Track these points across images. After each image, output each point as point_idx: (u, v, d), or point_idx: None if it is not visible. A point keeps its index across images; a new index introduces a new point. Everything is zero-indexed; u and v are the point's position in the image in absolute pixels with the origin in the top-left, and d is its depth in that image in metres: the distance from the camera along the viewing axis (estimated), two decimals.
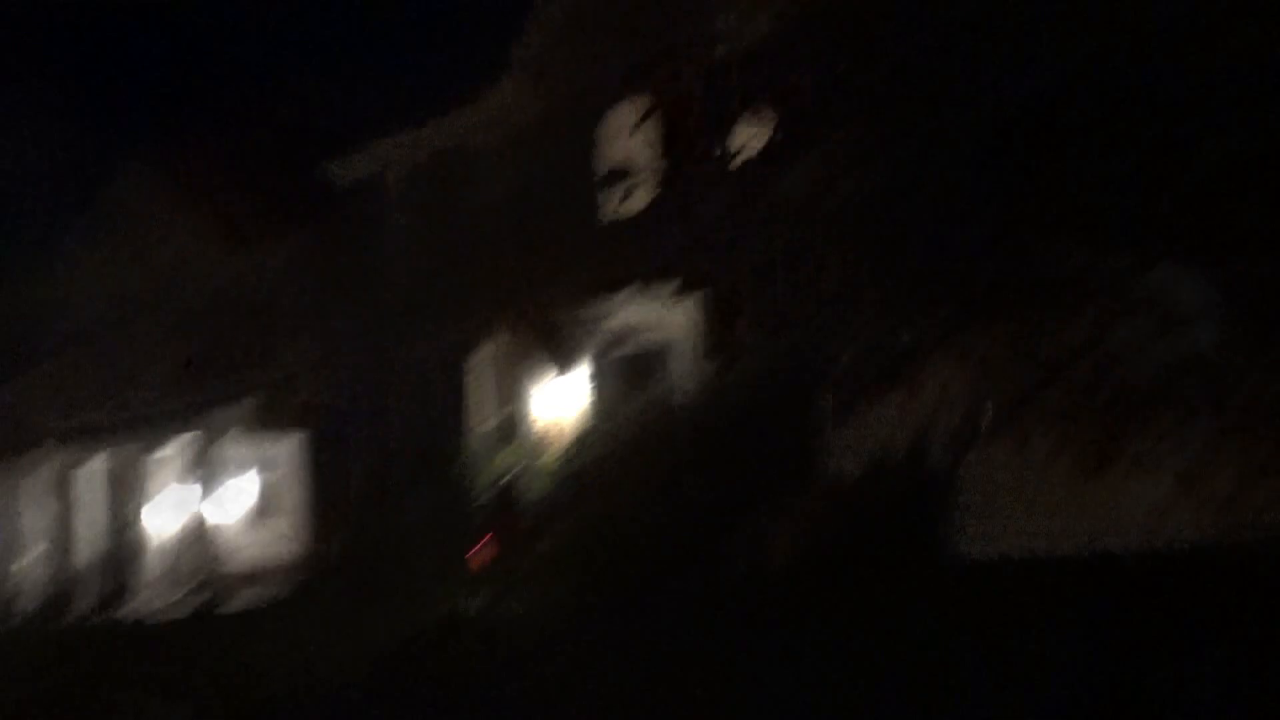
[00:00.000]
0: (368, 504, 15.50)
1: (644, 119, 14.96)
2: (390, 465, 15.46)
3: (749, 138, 14.17)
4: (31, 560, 19.18)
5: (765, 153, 13.34)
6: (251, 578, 16.41)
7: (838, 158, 12.26)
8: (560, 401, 14.91)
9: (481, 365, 15.73)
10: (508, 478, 13.85)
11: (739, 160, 14.05)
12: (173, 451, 17.80)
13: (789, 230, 12.44)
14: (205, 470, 16.74)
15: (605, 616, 10.68)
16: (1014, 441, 5.98)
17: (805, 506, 11.60)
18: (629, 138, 15.18)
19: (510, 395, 15.43)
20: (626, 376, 14.82)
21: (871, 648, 7.64)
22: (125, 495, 18.20)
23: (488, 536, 13.14)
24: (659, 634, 9.76)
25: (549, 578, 12.46)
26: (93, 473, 18.95)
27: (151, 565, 17.33)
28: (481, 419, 15.63)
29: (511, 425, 15.32)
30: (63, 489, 19.16)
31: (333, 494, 16.41)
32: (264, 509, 17.43)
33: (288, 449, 17.52)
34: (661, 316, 14.46)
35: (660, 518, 12.12)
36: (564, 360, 14.89)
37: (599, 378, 14.85)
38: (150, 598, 16.73)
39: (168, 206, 19.79)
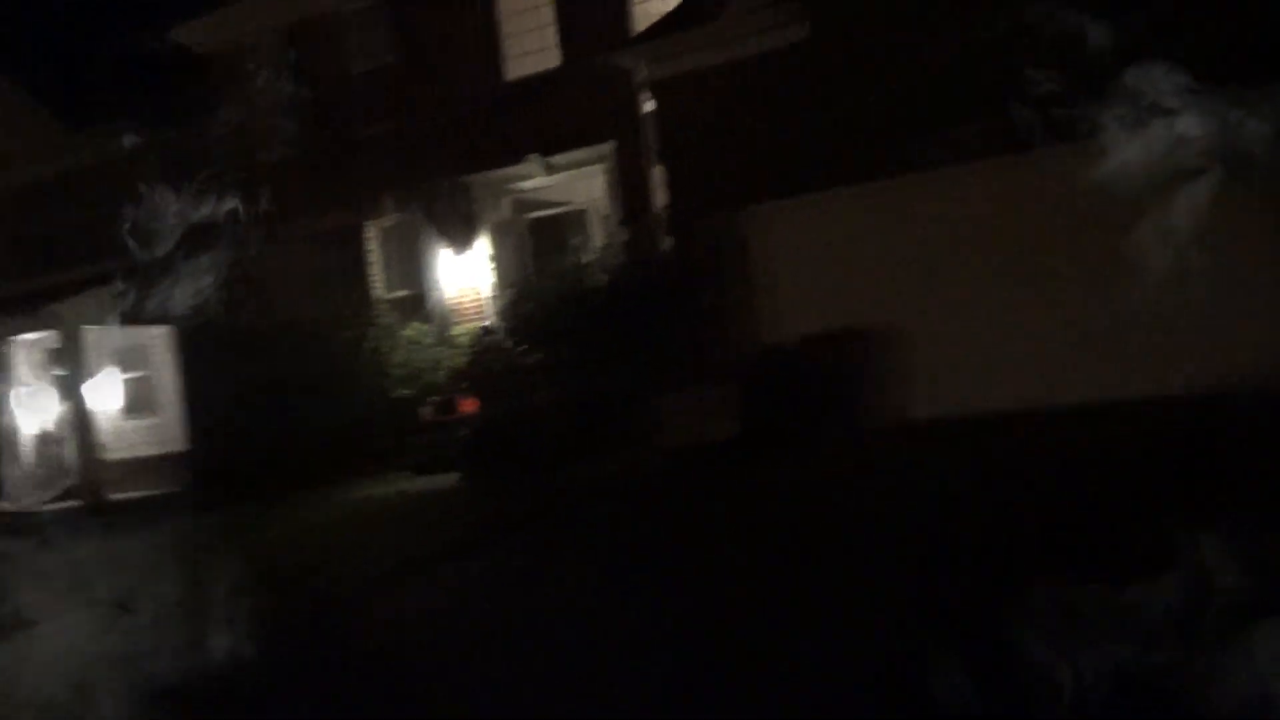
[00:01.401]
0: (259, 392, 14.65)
1: None
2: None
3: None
4: None
5: (676, 13, 13.00)
6: (127, 473, 15.43)
7: (754, 15, 12.10)
8: (468, 270, 14.44)
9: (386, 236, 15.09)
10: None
11: (644, 23, 13.70)
12: (34, 339, 16.45)
13: (703, 94, 12.23)
14: (72, 360, 15.53)
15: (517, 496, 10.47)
16: None
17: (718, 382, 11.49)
18: None
19: (415, 266, 14.86)
20: (536, 243, 14.46)
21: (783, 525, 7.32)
22: None
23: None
24: (572, 513, 9.56)
25: (463, 456, 12.13)
26: None
27: (19, 460, 16.07)
28: (386, 291, 15.03)
29: (418, 298, 14.79)
30: None
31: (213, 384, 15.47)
32: (138, 402, 16.36)
33: (161, 339, 16.47)
34: (571, 182, 14.12)
35: (573, 391, 11.91)
36: (470, 228, 14.39)
37: (507, 244, 14.43)
38: (19, 494, 15.54)
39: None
